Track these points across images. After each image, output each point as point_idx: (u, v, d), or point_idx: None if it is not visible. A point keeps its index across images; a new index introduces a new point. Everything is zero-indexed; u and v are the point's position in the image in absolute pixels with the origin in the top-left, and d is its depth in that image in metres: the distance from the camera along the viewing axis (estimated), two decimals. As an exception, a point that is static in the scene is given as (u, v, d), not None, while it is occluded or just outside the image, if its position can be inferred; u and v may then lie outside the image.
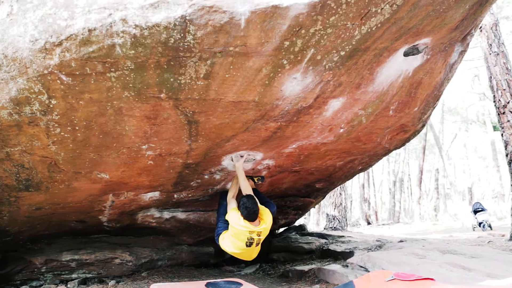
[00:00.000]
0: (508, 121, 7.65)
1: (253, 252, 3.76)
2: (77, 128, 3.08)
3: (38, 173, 3.58)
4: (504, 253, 4.91)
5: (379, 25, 2.76)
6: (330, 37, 2.72)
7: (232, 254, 3.79)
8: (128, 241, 5.77)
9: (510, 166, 7.59)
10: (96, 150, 3.41)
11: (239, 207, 3.65)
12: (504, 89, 7.78)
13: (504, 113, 7.75)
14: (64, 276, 5.21)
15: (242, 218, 3.56)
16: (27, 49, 2.50)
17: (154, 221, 5.30)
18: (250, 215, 3.54)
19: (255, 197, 3.73)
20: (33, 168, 3.51)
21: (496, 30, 8.25)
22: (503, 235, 8.77)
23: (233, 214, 3.70)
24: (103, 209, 4.67)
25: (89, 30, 2.40)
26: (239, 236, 3.56)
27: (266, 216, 3.69)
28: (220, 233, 3.89)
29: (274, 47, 2.66)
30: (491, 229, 11.39)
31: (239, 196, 3.85)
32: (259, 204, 3.74)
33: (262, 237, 3.63)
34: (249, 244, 3.57)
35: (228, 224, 3.73)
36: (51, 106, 2.82)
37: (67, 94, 2.75)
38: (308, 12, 2.47)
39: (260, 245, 3.70)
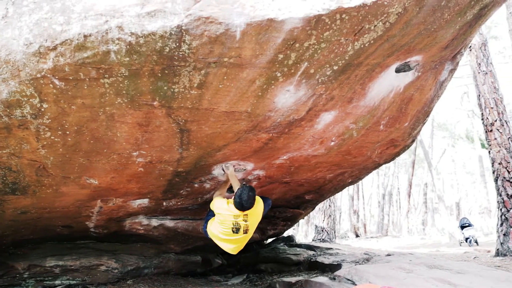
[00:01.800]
0: (495, 139, 7.81)
1: (240, 242, 3.63)
2: (68, 132, 3.06)
3: (25, 177, 3.53)
4: (489, 269, 4.95)
5: (372, 42, 2.81)
6: (323, 52, 2.76)
7: (220, 244, 3.65)
8: (114, 248, 5.69)
9: (496, 183, 7.72)
10: (86, 155, 3.38)
11: (234, 197, 3.45)
12: (492, 108, 7.95)
13: (491, 130, 7.91)
14: (47, 282, 5.10)
15: (227, 202, 3.43)
16: (20, 52, 2.49)
17: (142, 228, 5.24)
18: (241, 204, 3.38)
19: (254, 190, 3.51)
20: (21, 172, 3.46)
21: (485, 50, 8.46)
22: (488, 251, 8.87)
23: (218, 200, 3.58)
24: (91, 215, 4.61)
25: (85, 36, 2.40)
26: (224, 222, 3.44)
27: (255, 203, 3.53)
28: (209, 219, 3.80)
29: (268, 59, 2.69)
30: (478, 244, 11.51)
31: None
32: (254, 197, 3.53)
33: (250, 224, 3.48)
34: (235, 231, 3.43)
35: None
36: (43, 110, 2.80)
37: (59, 99, 2.74)
38: (303, 26, 2.51)
39: (248, 234, 3.54)
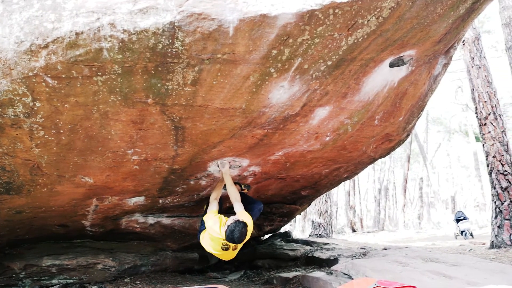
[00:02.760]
0: (489, 132, 7.86)
1: (231, 255, 3.65)
2: (61, 131, 3.04)
3: (19, 176, 3.51)
4: (484, 261, 5.00)
5: (365, 36, 2.81)
6: (317, 47, 2.76)
7: (211, 253, 3.71)
8: (111, 246, 5.68)
9: (490, 176, 7.78)
10: (81, 153, 3.36)
11: (226, 230, 3.36)
12: (486, 101, 7.99)
13: (485, 124, 7.95)
14: (44, 281, 5.09)
15: (220, 225, 3.43)
16: (12, 50, 2.47)
17: (138, 226, 5.24)
18: (232, 239, 3.33)
19: (247, 226, 3.42)
20: (15, 171, 3.44)
21: (478, 44, 8.49)
22: (483, 244, 8.94)
23: (211, 218, 3.58)
24: (87, 214, 4.60)
25: (77, 34, 2.38)
26: (214, 240, 3.49)
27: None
28: (202, 231, 3.81)
29: (261, 55, 2.69)
30: (473, 237, 11.60)
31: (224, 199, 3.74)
32: (246, 233, 3.44)
33: (239, 245, 3.52)
34: (225, 249, 3.47)
35: None
36: (35, 108, 2.78)
37: (52, 97, 2.72)
38: (296, 21, 2.51)
39: (238, 249, 3.59)
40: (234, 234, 3.32)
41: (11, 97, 2.68)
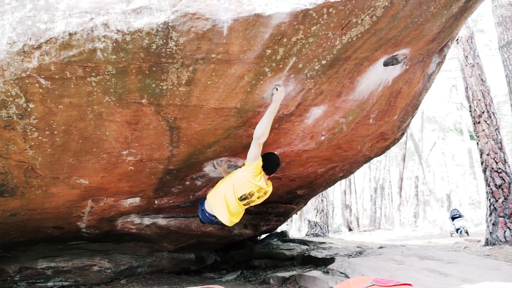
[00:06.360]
0: (483, 130, 7.92)
1: (237, 213, 3.53)
2: (55, 132, 3.02)
3: (13, 178, 3.48)
4: (479, 258, 5.05)
5: (359, 35, 2.82)
6: (311, 46, 2.76)
7: (219, 209, 3.50)
8: (107, 248, 5.65)
9: (485, 174, 7.84)
10: (75, 155, 3.34)
11: (266, 161, 3.40)
12: (479, 100, 8.05)
13: (479, 122, 8.02)
14: (40, 284, 5.06)
15: (258, 175, 3.33)
16: (4, 51, 2.45)
17: (134, 228, 5.21)
18: (275, 168, 3.50)
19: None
20: (9, 173, 3.41)
21: (472, 42, 8.56)
22: (478, 241, 9.01)
23: (234, 173, 3.52)
24: (82, 215, 4.58)
25: (70, 34, 2.37)
26: (242, 186, 3.33)
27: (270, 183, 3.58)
28: (203, 201, 3.69)
29: (256, 55, 2.69)
30: (468, 235, 11.68)
31: None
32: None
33: (257, 201, 3.48)
34: (244, 198, 3.37)
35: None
36: (29, 110, 2.76)
37: (46, 98, 2.70)
38: (290, 21, 2.51)
39: (243, 211, 3.56)
40: (277, 160, 3.56)
41: (4, 99, 2.65)
